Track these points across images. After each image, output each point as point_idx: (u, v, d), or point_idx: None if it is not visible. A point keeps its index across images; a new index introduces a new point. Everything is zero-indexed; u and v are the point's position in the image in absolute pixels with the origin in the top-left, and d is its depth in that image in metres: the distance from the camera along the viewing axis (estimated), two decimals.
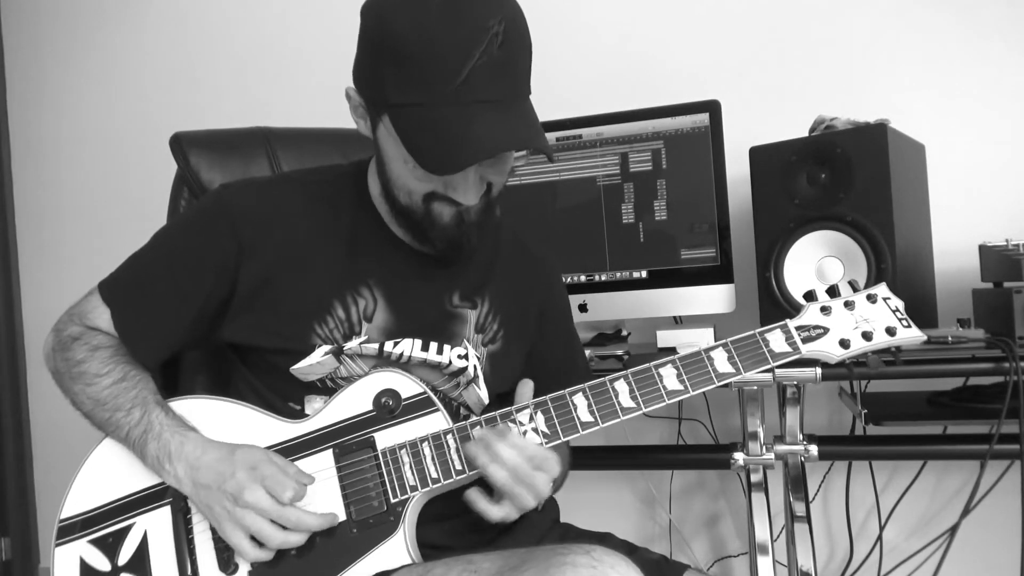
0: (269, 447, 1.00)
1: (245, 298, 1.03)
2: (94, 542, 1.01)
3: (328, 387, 1.03)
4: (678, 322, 1.79)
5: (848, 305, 1.02)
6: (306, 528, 0.94)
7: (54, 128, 2.52)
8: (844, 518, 1.86)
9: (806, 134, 1.57)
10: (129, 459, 1.03)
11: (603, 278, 1.71)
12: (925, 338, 1.02)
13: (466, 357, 1.07)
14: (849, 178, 1.42)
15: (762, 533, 1.56)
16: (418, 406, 1.00)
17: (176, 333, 1.06)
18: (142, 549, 0.99)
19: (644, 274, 1.68)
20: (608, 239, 1.70)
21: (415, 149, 0.91)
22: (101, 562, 0.99)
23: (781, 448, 1.54)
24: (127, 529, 1.00)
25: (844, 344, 1.00)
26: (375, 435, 1.00)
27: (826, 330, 1.01)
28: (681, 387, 0.99)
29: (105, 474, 1.03)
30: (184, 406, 1.04)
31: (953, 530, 1.48)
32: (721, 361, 0.99)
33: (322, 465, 0.99)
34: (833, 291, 1.04)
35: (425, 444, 0.98)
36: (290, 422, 1.02)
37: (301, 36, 2.28)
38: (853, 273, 1.41)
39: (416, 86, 0.89)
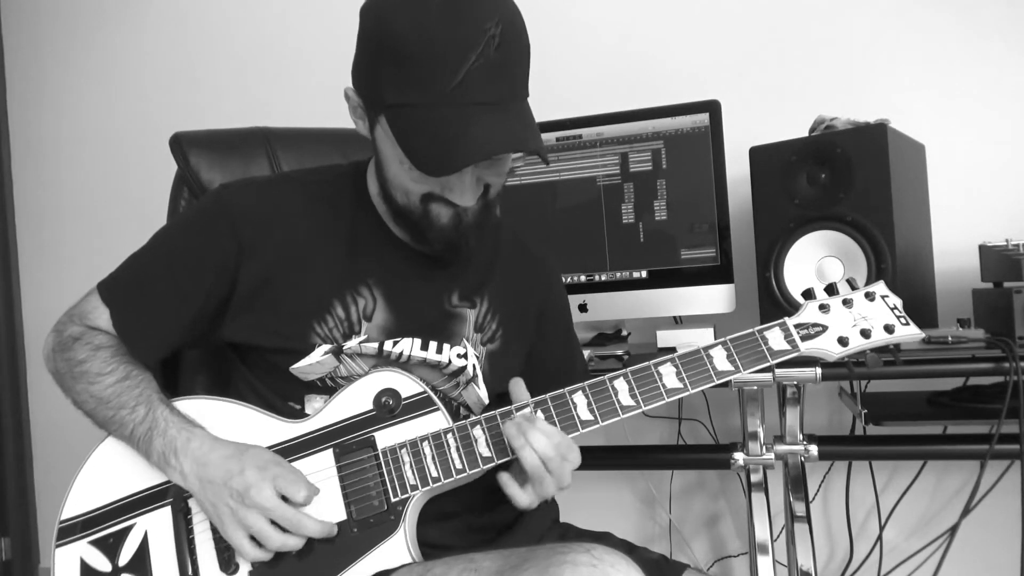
0: (269, 447, 1.00)
1: (245, 298, 1.03)
2: (94, 543, 1.01)
3: (328, 387, 1.03)
4: (678, 322, 1.79)
5: (846, 303, 1.02)
6: (305, 532, 0.94)
7: (54, 128, 2.52)
8: (844, 518, 1.86)
9: (806, 134, 1.57)
10: (130, 460, 1.03)
11: (603, 278, 1.71)
12: (923, 335, 1.02)
13: (465, 356, 1.07)
14: (849, 178, 1.42)
15: (762, 533, 1.56)
16: (418, 405, 1.00)
17: (176, 333, 1.06)
18: (142, 550, 0.99)
19: (644, 274, 1.68)
20: (608, 239, 1.70)
21: (410, 150, 0.91)
22: (102, 563, 1.00)
23: (781, 448, 1.54)
24: (127, 530, 1.00)
25: (843, 342, 1.00)
26: (375, 434, 1.00)
27: (825, 328, 1.01)
28: (680, 385, 0.99)
29: (105, 475, 1.03)
30: (184, 407, 1.04)
31: (953, 530, 1.48)
32: (720, 359, 0.99)
33: (322, 465, 0.99)
34: (831, 289, 1.04)
35: (425, 443, 0.98)
36: (290, 422, 1.02)
37: (301, 36, 2.28)
38: (853, 273, 1.41)
39: (413, 87, 0.89)
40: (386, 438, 1.00)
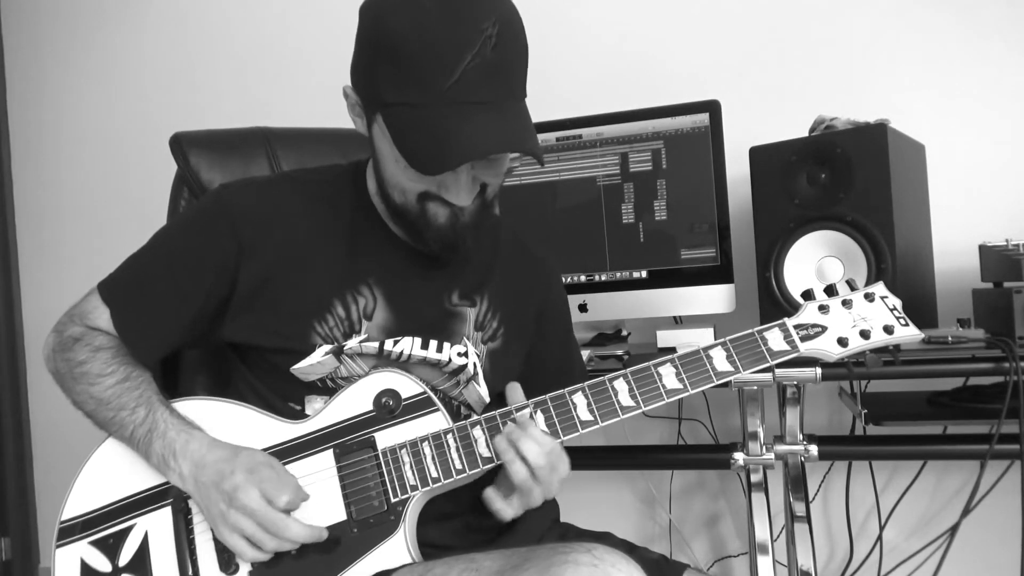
0: (269, 447, 1.00)
1: (245, 298, 1.03)
2: (95, 543, 1.01)
3: (328, 387, 1.04)
4: (678, 322, 1.79)
5: (846, 304, 1.02)
6: (289, 537, 0.93)
7: (54, 128, 2.52)
8: (844, 518, 1.86)
9: (806, 134, 1.57)
10: (130, 460, 1.03)
11: (603, 278, 1.71)
12: (923, 336, 1.02)
13: (466, 355, 1.07)
14: (849, 178, 1.42)
15: (762, 533, 1.56)
16: (418, 406, 1.01)
17: (176, 333, 1.06)
18: (143, 550, 0.99)
19: (644, 274, 1.68)
20: (608, 239, 1.70)
21: (405, 148, 0.92)
22: (102, 563, 1.00)
23: (781, 448, 1.54)
24: (128, 530, 1.00)
25: (842, 342, 1.00)
26: (375, 435, 1.00)
27: (824, 328, 1.01)
28: (680, 386, 0.99)
29: (106, 475, 1.03)
30: (184, 408, 1.04)
31: (953, 530, 1.48)
32: (720, 360, 0.99)
33: (323, 465, 1.00)
34: (831, 290, 1.04)
35: (425, 444, 0.99)
36: (290, 422, 1.02)
37: (301, 36, 2.28)
38: (853, 273, 1.41)
39: (409, 86, 0.89)
40: (386, 438, 1.00)
